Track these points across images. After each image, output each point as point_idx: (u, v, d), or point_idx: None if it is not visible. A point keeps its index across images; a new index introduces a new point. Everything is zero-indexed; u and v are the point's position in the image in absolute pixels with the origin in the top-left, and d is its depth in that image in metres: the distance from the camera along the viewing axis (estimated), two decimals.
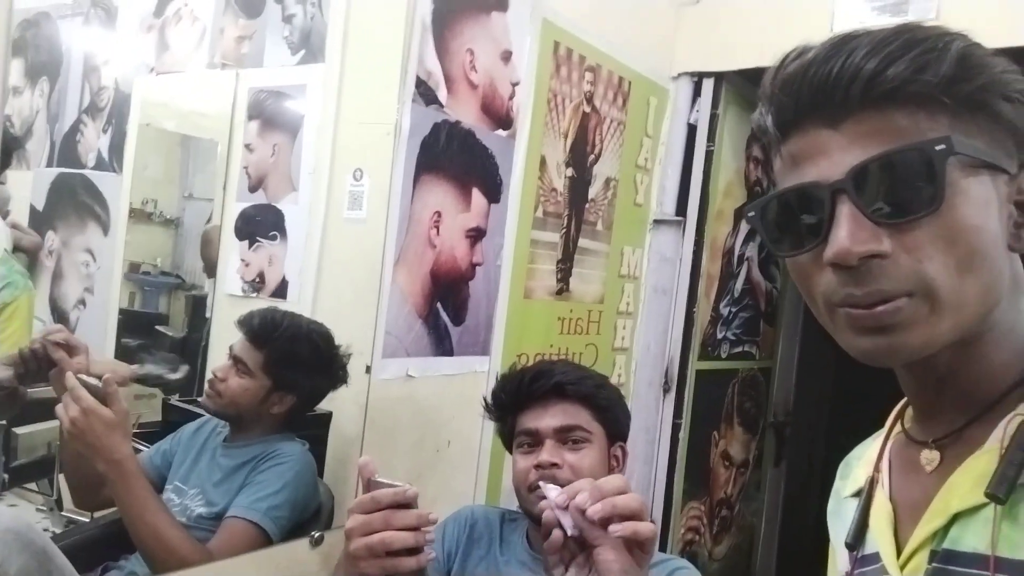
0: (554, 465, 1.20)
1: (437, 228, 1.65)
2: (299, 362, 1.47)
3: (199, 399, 1.58)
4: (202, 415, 1.60)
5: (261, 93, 1.95)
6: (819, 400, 3.60)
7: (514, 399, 1.33)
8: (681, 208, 2.35)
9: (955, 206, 0.51)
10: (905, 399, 0.66)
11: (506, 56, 1.76)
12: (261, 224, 1.91)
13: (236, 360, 1.46)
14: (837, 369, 3.70)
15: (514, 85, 1.79)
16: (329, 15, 1.81)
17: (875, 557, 0.60)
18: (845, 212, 0.52)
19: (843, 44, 0.53)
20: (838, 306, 0.55)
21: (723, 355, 2.57)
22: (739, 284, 2.60)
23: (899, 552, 0.58)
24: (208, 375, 1.49)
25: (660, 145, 2.35)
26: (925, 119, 0.52)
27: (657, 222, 2.36)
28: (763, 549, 2.94)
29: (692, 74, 2.34)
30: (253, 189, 1.95)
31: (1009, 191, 0.55)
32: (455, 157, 1.66)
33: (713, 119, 2.33)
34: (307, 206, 1.83)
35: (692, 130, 2.35)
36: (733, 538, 2.76)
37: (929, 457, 0.59)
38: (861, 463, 0.70)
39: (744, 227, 2.57)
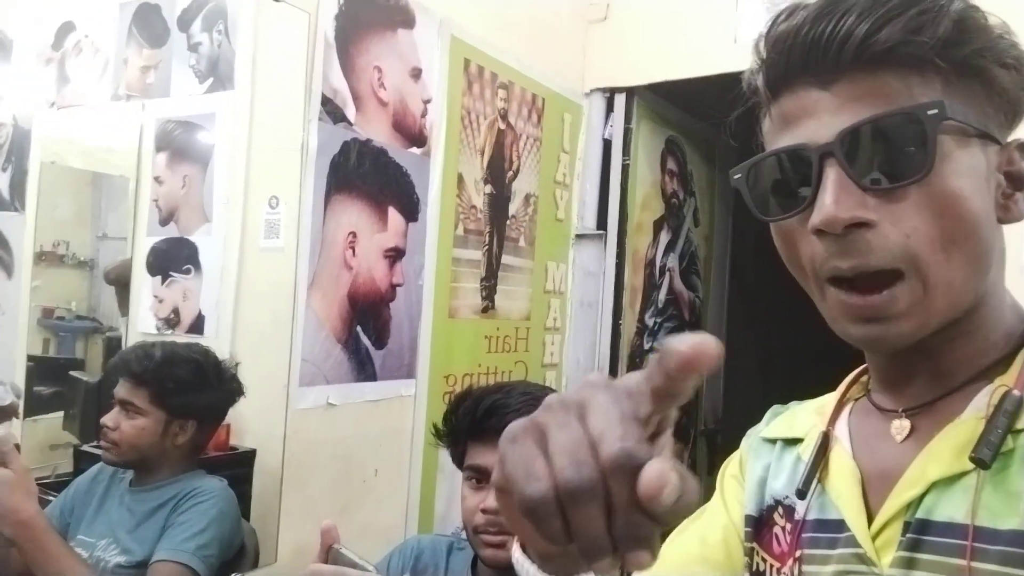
0: (499, 512, 1.15)
1: (353, 249, 1.60)
2: (186, 385, 1.42)
3: None
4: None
5: (169, 123, 1.89)
6: (748, 407, 3.67)
7: (465, 429, 1.27)
8: (601, 222, 2.37)
9: (944, 175, 0.50)
10: (863, 366, 0.64)
11: (415, 73, 1.74)
12: (174, 258, 1.84)
13: (123, 404, 1.39)
14: (763, 375, 3.79)
15: (426, 102, 1.77)
16: (236, 42, 1.77)
17: (840, 525, 0.57)
18: (832, 177, 0.50)
19: (837, 3, 0.51)
20: (827, 281, 0.53)
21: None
22: (662, 295, 2.63)
23: (869, 522, 0.56)
24: (101, 427, 1.41)
25: (577, 160, 2.36)
26: (918, 83, 0.50)
27: (579, 236, 2.36)
28: None
29: (604, 90, 2.37)
30: (164, 222, 1.87)
31: (1000, 161, 0.54)
32: (368, 176, 1.62)
33: (627, 133, 2.36)
34: (222, 237, 1.76)
35: (607, 145, 2.37)
36: None
37: (900, 426, 0.57)
38: (801, 416, 0.67)
39: (664, 238, 2.61)
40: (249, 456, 1.64)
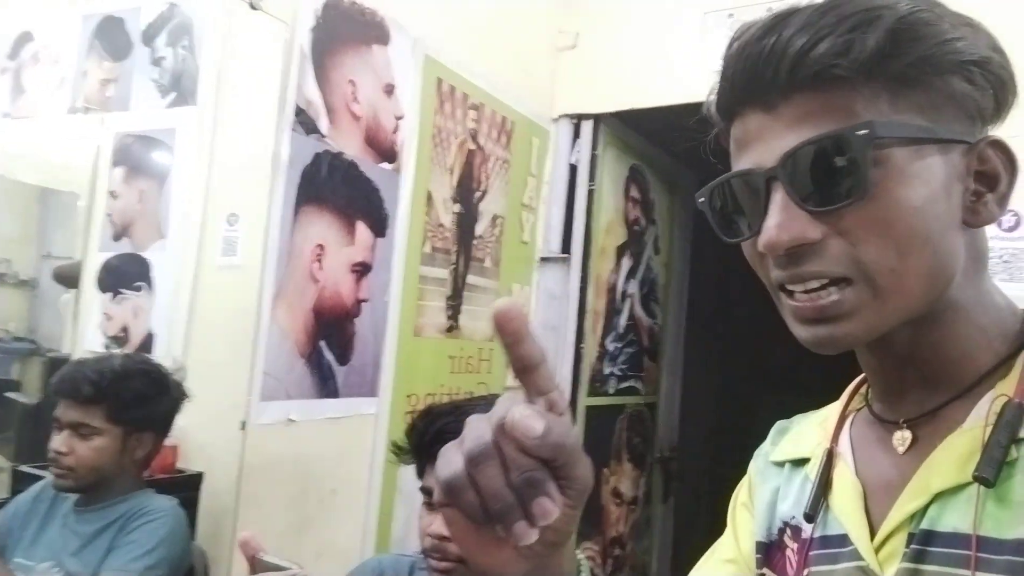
0: (444, 538, 1.13)
1: (320, 262, 1.58)
2: (143, 397, 1.39)
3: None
4: (41, 476, 1.46)
5: (128, 138, 1.86)
6: (703, 435, 3.71)
7: (419, 449, 1.25)
8: (566, 246, 2.39)
9: (889, 189, 0.49)
10: (863, 376, 0.64)
11: (389, 89, 1.74)
12: (125, 274, 1.80)
13: (74, 427, 1.34)
14: (718, 403, 3.84)
15: (398, 119, 1.77)
16: (202, 57, 1.75)
17: (843, 539, 0.57)
18: (777, 200, 0.51)
19: (779, 21, 0.50)
20: (778, 290, 0.54)
21: (610, 391, 2.60)
22: (623, 320, 2.65)
23: (872, 534, 0.55)
24: (49, 454, 1.35)
25: (544, 184, 2.38)
26: (861, 98, 0.49)
27: (544, 260, 2.37)
28: None
29: (572, 116, 2.41)
30: (117, 237, 1.82)
31: (968, 161, 0.52)
32: (338, 189, 1.61)
33: (593, 159, 2.40)
34: (177, 254, 1.73)
35: (573, 170, 2.40)
36: None
37: (902, 437, 0.57)
38: (805, 432, 0.67)
39: (626, 264, 2.64)
40: (196, 479, 1.60)
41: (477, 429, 0.41)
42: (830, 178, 0.50)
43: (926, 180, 0.50)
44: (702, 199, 0.58)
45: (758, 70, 0.51)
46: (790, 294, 0.53)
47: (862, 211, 0.49)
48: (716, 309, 3.61)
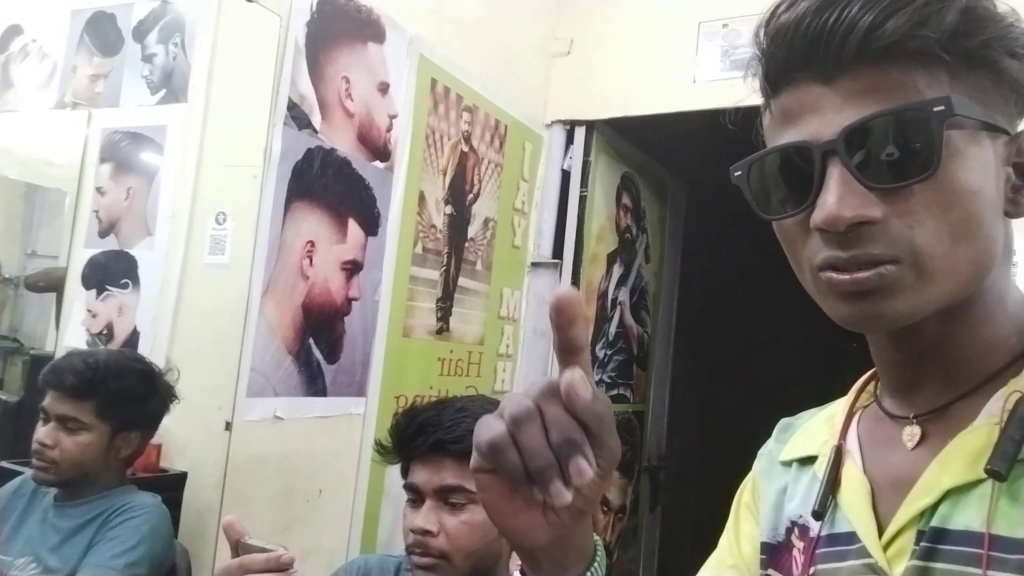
0: (427, 532, 1.12)
1: (310, 258, 1.56)
2: (134, 395, 1.37)
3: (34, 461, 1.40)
4: (21, 472, 1.44)
5: (116, 134, 1.84)
6: (691, 444, 3.70)
7: (401, 447, 1.24)
8: (557, 251, 2.38)
9: (952, 170, 0.48)
10: (871, 371, 0.63)
11: (383, 87, 1.73)
12: (111, 272, 1.78)
13: (61, 420, 1.32)
14: (705, 413, 3.83)
15: (392, 117, 1.76)
16: (194, 55, 1.74)
17: (850, 537, 0.56)
18: (836, 175, 0.49)
19: None
20: (820, 269, 0.51)
21: None
22: (613, 328, 2.65)
23: (880, 531, 0.54)
24: (33, 446, 1.33)
25: (536, 189, 2.38)
26: (923, 76, 0.49)
27: (534, 265, 2.37)
28: None
29: (565, 122, 2.41)
30: (104, 234, 1.81)
31: (1008, 153, 0.52)
32: (330, 185, 1.60)
33: (586, 166, 2.40)
34: (164, 251, 1.71)
35: (566, 176, 2.41)
36: None
37: (911, 433, 0.56)
38: (813, 430, 0.66)
39: (616, 271, 2.64)
40: (179, 479, 1.57)
41: (516, 398, 0.44)
42: (897, 154, 0.48)
43: (983, 164, 0.50)
44: (738, 173, 0.56)
45: (822, 40, 0.49)
46: (833, 270, 0.51)
47: (924, 191, 0.48)
48: (705, 319, 3.62)
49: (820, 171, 0.50)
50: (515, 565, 0.51)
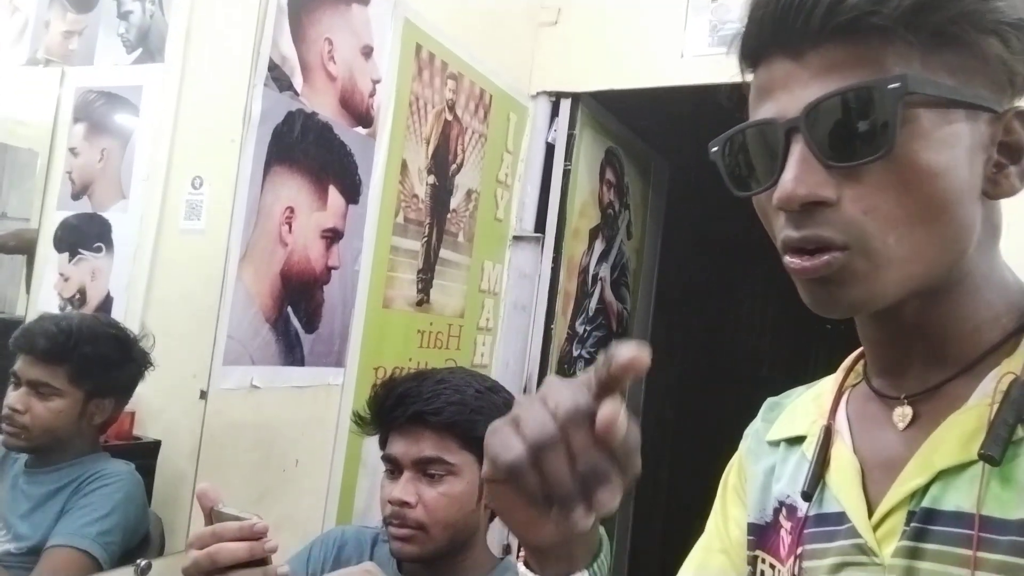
0: (404, 504, 1.11)
1: (289, 225, 1.53)
2: (108, 361, 1.33)
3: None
4: None
5: (90, 94, 1.78)
6: (665, 421, 3.73)
7: (379, 418, 1.22)
8: (540, 225, 2.36)
9: (912, 150, 0.48)
10: (859, 350, 0.63)
11: (367, 51, 1.69)
12: (84, 235, 1.73)
13: (33, 384, 1.28)
14: (681, 390, 3.87)
15: (375, 83, 1.72)
16: (171, 13, 1.68)
17: (840, 517, 0.55)
18: (796, 153, 0.49)
19: None
20: (782, 250, 0.52)
21: (578, 373, 2.58)
22: (593, 303, 2.64)
23: (870, 512, 0.54)
24: (3, 411, 1.29)
25: (520, 161, 2.35)
26: (892, 53, 0.48)
27: (516, 238, 2.35)
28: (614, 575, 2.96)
29: (550, 94, 2.37)
30: (77, 197, 1.76)
31: (993, 131, 0.51)
32: (311, 150, 1.56)
33: (570, 139, 2.37)
34: (138, 215, 1.67)
35: (550, 149, 2.38)
36: None
37: (902, 413, 0.55)
38: (800, 409, 0.66)
39: (598, 247, 2.63)
40: (153, 447, 1.54)
41: (536, 413, 0.42)
42: (854, 132, 0.48)
43: (951, 145, 0.49)
44: (715, 148, 0.56)
45: (790, 14, 0.49)
46: (793, 253, 0.51)
47: (882, 171, 0.48)
48: (683, 297, 3.63)
49: (784, 148, 0.50)
50: (519, 557, 0.51)
